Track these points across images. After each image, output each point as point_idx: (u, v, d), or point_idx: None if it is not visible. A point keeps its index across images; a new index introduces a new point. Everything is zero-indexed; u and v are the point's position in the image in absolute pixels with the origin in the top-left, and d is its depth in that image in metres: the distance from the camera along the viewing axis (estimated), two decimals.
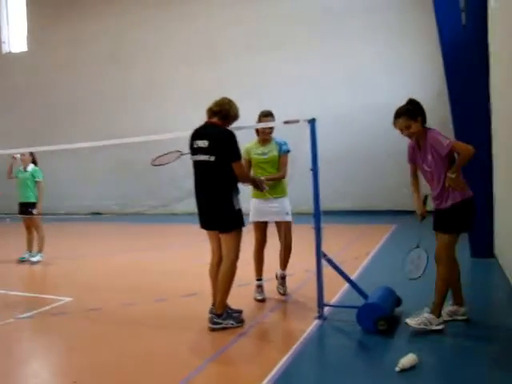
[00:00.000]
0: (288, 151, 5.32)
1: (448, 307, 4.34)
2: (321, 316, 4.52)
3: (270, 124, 5.18)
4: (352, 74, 14.40)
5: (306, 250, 5.14)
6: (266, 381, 3.28)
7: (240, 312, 4.58)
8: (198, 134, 4.48)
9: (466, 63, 6.49)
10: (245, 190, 4.89)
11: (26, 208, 8.18)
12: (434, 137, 4.06)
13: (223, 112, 4.47)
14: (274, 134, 5.36)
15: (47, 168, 10.23)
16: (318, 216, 4.57)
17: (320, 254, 4.56)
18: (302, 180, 5.35)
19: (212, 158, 4.32)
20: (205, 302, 4.65)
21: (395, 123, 4.18)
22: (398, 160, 12.29)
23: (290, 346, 3.90)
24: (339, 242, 8.75)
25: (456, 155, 4.04)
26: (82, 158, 17.05)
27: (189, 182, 4.60)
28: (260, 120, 5.26)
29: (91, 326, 4.74)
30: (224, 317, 4.38)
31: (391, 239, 9.25)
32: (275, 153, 5.26)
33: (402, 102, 4.26)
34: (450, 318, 4.28)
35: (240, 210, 4.43)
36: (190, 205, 4.64)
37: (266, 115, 5.26)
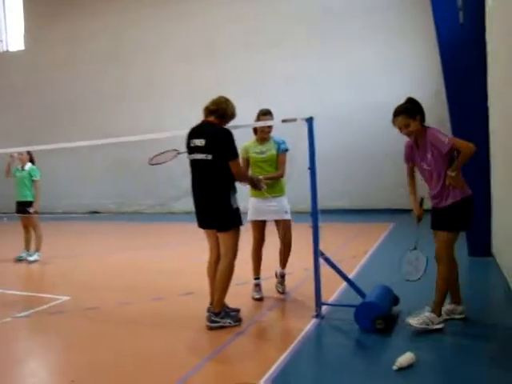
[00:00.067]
0: (286, 150, 5.32)
1: (446, 306, 4.34)
2: (318, 315, 4.52)
3: (268, 123, 5.17)
4: (350, 73, 14.40)
5: (304, 248, 5.14)
6: (263, 379, 3.28)
7: (238, 311, 4.58)
8: (194, 133, 4.47)
9: (464, 62, 6.49)
10: (243, 189, 4.88)
11: (23, 207, 8.17)
12: (433, 134, 4.05)
13: (220, 111, 4.46)
14: (272, 133, 5.35)
15: (45, 167, 10.21)
16: (315, 215, 4.57)
17: (318, 253, 4.56)
18: (300, 179, 5.35)
19: (209, 157, 4.31)
20: (202, 301, 4.65)
21: (394, 121, 4.18)
22: (395, 159, 12.29)
23: (288, 344, 3.90)
24: (337, 241, 8.75)
25: (455, 153, 4.04)
26: (79, 157, 17.02)
27: (186, 181, 4.59)
28: (259, 118, 5.25)
29: (89, 325, 4.73)
30: (222, 315, 4.38)
31: (389, 238, 9.25)
32: (273, 151, 5.26)
33: (401, 100, 4.26)
34: (447, 317, 4.28)
35: (238, 209, 4.43)
36: (188, 203, 4.64)
37: (265, 114, 5.25)
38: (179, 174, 4.85)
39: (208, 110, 4.50)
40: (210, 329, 4.35)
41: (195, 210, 4.54)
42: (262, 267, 5.42)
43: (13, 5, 19.95)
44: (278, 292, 5.45)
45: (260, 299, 5.27)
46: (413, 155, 4.29)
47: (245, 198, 5.29)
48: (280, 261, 5.44)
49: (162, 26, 16.87)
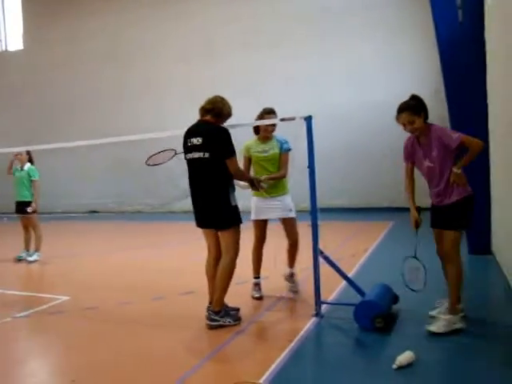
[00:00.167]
0: (289, 149, 5.30)
1: (445, 304, 4.34)
2: (318, 314, 4.52)
3: (266, 121, 5.14)
4: (349, 72, 14.39)
5: (304, 247, 5.15)
6: (263, 379, 3.28)
7: (237, 310, 4.58)
8: (191, 132, 4.47)
9: (463, 61, 6.49)
10: (238, 189, 4.86)
11: (22, 207, 8.17)
12: (441, 130, 4.04)
13: (216, 110, 4.46)
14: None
15: (44, 167, 10.21)
16: (314, 213, 4.57)
17: (317, 252, 4.56)
18: (299, 177, 5.35)
19: (206, 155, 4.31)
20: (202, 300, 4.65)
21: (398, 118, 4.14)
22: (395, 157, 12.34)
23: (288, 343, 3.90)
24: (336, 239, 8.75)
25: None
26: (79, 157, 17.01)
27: (186, 181, 4.59)
28: (263, 117, 5.20)
29: (88, 325, 4.73)
30: (221, 314, 4.38)
31: (389, 236, 9.25)
32: (276, 151, 5.24)
33: (400, 99, 4.25)
34: (463, 314, 4.27)
35: (236, 207, 4.43)
36: (187, 203, 4.63)
37: (269, 112, 5.21)
38: (179, 174, 4.85)
39: (204, 110, 4.50)
40: (210, 328, 4.35)
41: (194, 209, 4.53)
42: (262, 266, 5.42)
43: (12, 5, 19.93)
44: (293, 292, 5.35)
45: (260, 298, 5.27)
46: (413, 154, 4.26)
47: (246, 197, 5.29)
48: (288, 260, 5.41)
49: (160, 26, 16.86)
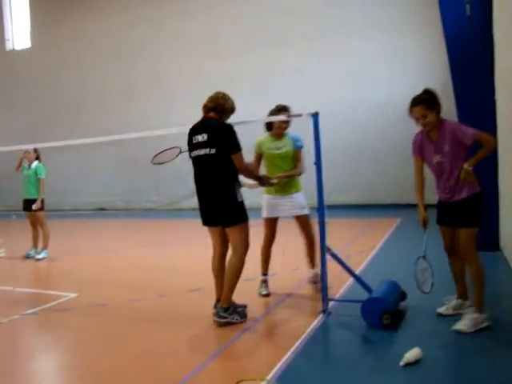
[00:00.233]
0: (302, 147, 5.28)
1: (453, 301, 4.32)
2: (325, 311, 4.50)
3: (273, 118, 5.12)
4: (355, 68, 14.34)
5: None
6: (270, 376, 3.28)
7: (244, 307, 4.58)
8: (196, 130, 4.46)
9: (471, 55, 6.43)
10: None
11: (29, 204, 8.22)
12: (455, 125, 4.00)
13: (219, 107, 4.45)
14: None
15: (52, 164, 10.28)
16: (321, 210, 4.55)
17: (324, 249, 4.54)
18: (306, 174, 5.33)
19: (212, 151, 4.30)
20: (209, 298, 4.65)
21: (411, 111, 4.08)
22: (400, 153, 12.30)
23: (295, 340, 3.89)
24: (344, 236, 8.72)
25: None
26: (87, 154, 17.11)
27: (193, 179, 4.58)
28: (276, 114, 5.14)
29: (96, 322, 4.75)
30: (230, 311, 4.37)
31: (396, 233, 9.21)
32: (289, 148, 5.21)
33: (406, 95, 4.22)
34: (455, 312, 4.25)
35: (243, 203, 4.41)
36: (195, 200, 4.63)
37: (281, 109, 5.15)
38: (186, 171, 4.85)
39: (207, 108, 4.50)
40: (219, 325, 4.34)
41: (200, 207, 4.52)
42: (270, 263, 5.41)
43: (19, 4, 20.01)
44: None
45: (267, 295, 5.27)
46: (422, 148, 4.20)
47: (258, 194, 5.28)
48: (308, 261, 5.36)
49: (167, 24, 16.87)
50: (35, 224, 8.38)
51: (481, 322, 3.94)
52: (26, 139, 10.24)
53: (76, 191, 18.31)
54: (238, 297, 4.54)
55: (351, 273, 4.68)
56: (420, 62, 13.56)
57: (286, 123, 5.18)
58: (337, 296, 5.03)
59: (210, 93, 4.59)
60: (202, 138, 4.36)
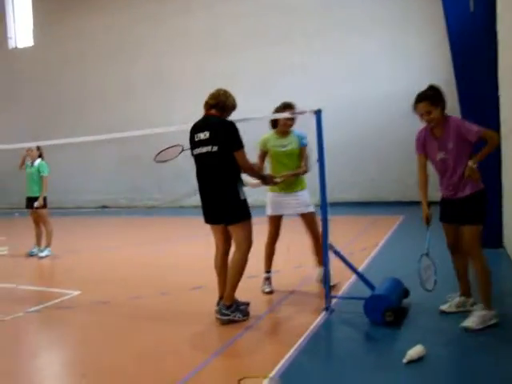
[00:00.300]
0: (307, 145, 5.27)
1: (456, 299, 4.30)
2: (328, 308, 4.50)
3: (277, 115, 5.10)
4: (356, 65, 14.32)
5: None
6: (273, 373, 3.27)
7: (247, 304, 4.58)
8: (198, 127, 4.44)
9: (474, 51, 6.41)
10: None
11: (32, 202, 8.24)
12: (460, 122, 3.98)
13: (220, 104, 4.43)
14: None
15: (55, 162, 10.28)
16: (324, 207, 4.55)
17: (327, 246, 4.54)
18: (309, 172, 5.31)
19: (215, 149, 4.28)
20: (211, 296, 4.65)
21: (416, 107, 4.06)
22: (403, 150, 12.29)
23: (298, 338, 3.89)
24: (347, 234, 8.72)
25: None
26: (89, 152, 17.13)
27: (195, 176, 4.57)
28: (282, 111, 5.11)
29: (99, 320, 4.76)
30: (232, 309, 4.36)
31: (399, 230, 9.21)
32: (295, 145, 5.19)
33: (408, 92, 4.21)
34: (458, 310, 4.25)
35: (245, 201, 4.39)
36: (197, 198, 4.62)
37: (286, 107, 5.12)
38: (189, 169, 4.85)
39: (208, 105, 4.48)
40: (222, 322, 4.34)
41: (202, 205, 4.50)
42: (273, 261, 5.40)
43: (21, 2, 20.01)
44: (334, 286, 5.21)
45: (270, 293, 5.27)
46: (426, 145, 4.18)
47: (261, 192, 5.27)
48: (316, 259, 5.32)
49: (169, 21, 16.87)
50: (38, 222, 8.40)
51: (489, 319, 3.92)
52: (29, 137, 10.29)
53: (79, 189, 18.35)
54: (241, 294, 4.54)
55: (354, 270, 4.68)
56: (423, 58, 13.53)
57: (292, 120, 5.15)
58: (340, 293, 5.03)
59: (212, 90, 4.58)
60: (203, 135, 4.34)
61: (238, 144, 4.30)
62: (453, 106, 6.87)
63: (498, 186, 6.60)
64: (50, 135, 11.01)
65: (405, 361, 3.32)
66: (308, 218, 5.26)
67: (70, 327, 4.66)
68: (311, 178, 5.18)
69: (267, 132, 5.36)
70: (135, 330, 4.39)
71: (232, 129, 4.30)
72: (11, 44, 20.21)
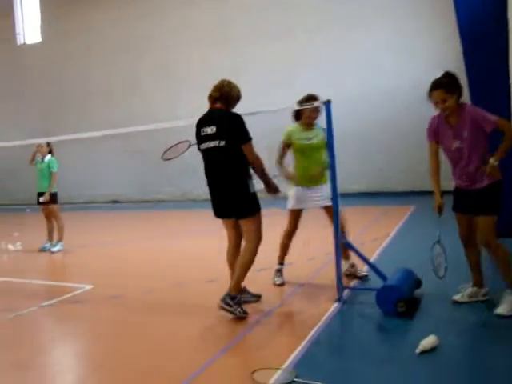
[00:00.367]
0: None
1: (468, 289, 4.28)
2: (340, 299, 4.50)
3: (287, 107, 5.06)
4: (366, 56, 14.19)
5: (325, 232, 5.13)
6: (286, 364, 3.29)
7: (259, 296, 4.59)
8: (204, 121, 4.40)
9: (485, 40, 6.32)
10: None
11: None
12: (476, 111, 3.90)
13: (224, 96, 4.37)
14: (287, 119, 5.28)
15: (65, 157, 10.36)
16: (335, 198, 4.54)
17: (338, 237, 4.53)
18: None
19: (222, 143, 4.24)
20: (224, 289, 4.62)
21: (430, 95, 3.98)
22: (411, 140, 12.21)
23: (310, 329, 3.90)
24: (357, 225, 8.68)
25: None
26: (99, 147, 17.17)
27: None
28: (304, 104, 5.02)
29: (112, 313, 4.79)
30: (236, 301, 4.30)
31: (410, 220, 9.15)
32: (320, 138, 5.12)
33: (416, 83, 4.18)
34: (470, 300, 4.23)
35: (255, 194, 4.37)
36: (208, 190, 4.62)
37: (309, 99, 5.01)
38: (196, 164, 4.84)
39: (212, 98, 4.42)
40: (220, 308, 4.29)
41: (211, 199, 4.47)
42: (286, 254, 5.39)
43: None
44: (361, 279, 5.22)
45: (281, 285, 5.27)
46: (439, 133, 4.11)
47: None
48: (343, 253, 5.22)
49: (175, 14, 16.80)
50: (50, 217, 8.46)
51: None
52: (38, 133, 10.32)
53: (90, 184, 18.43)
54: (252, 286, 4.55)
55: (366, 261, 4.68)
56: (432, 49, 13.36)
57: (316, 113, 5.08)
58: (351, 284, 5.03)
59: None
60: (210, 130, 4.30)
61: (245, 137, 4.25)
62: (463, 96, 6.84)
63: None
64: (60, 131, 11.08)
65: (418, 351, 3.32)
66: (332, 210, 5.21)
67: (83, 321, 4.71)
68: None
69: (277, 124, 5.33)
70: (147, 324, 4.42)
71: (239, 122, 4.25)
72: (20, 40, 20.28)
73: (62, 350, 4.14)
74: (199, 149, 4.48)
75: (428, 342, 3.38)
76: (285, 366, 3.27)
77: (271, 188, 4.47)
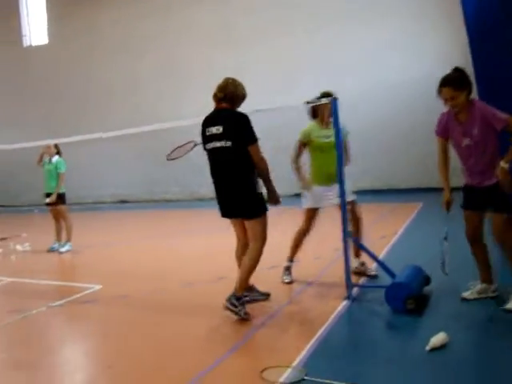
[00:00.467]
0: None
1: (477, 286, 4.25)
2: (349, 296, 4.49)
3: (291, 105, 5.05)
4: (371, 53, 14.13)
5: (334, 229, 5.12)
6: (295, 362, 3.28)
7: (268, 295, 4.58)
8: (209, 121, 4.36)
9: (492, 32, 6.28)
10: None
11: None
12: (486, 108, 3.84)
13: (228, 95, 4.30)
14: (295, 116, 5.26)
15: (73, 158, 10.37)
16: (343, 195, 4.52)
17: (346, 235, 4.52)
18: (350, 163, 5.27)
19: (228, 144, 4.20)
20: (232, 288, 4.64)
21: (439, 91, 3.92)
22: (417, 138, 12.17)
23: (320, 327, 3.89)
24: (365, 222, 8.62)
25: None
26: (107, 147, 17.17)
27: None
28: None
29: (121, 313, 4.80)
30: (241, 301, 4.27)
31: (418, 218, 9.11)
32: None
33: (421, 79, 4.16)
34: (479, 296, 4.20)
35: (261, 194, 4.33)
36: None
37: (323, 96, 4.93)
38: (205, 162, 4.83)
39: (217, 98, 4.36)
40: (226, 308, 4.26)
41: (218, 199, 4.44)
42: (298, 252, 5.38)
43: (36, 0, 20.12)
44: (371, 277, 5.19)
45: (290, 283, 5.26)
46: (448, 129, 4.06)
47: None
48: (353, 251, 5.19)
49: (177, 14, 16.82)
50: (58, 217, 8.49)
51: None
52: (45, 134, 10.36)
53: (97, 184, 18.46)
54: (261, 284, 4.54)
55: (374, 258, 4.66)
56: (437, 45, 13.28)
57: (331, 110, 5.05)
58: (360, 281, 5.01)
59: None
60: (216, 130, 4.25)
61: (251, 138, 4.20)
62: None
63: None
64: (67, 131, 11.12)
65: (428, 348, 3.30)
66: (352, 206, 5.17)
67: (93, 321, 4.72)
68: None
69: (277, 124, 5.31)
70: (156, 323, 4.42)
71: (245, 122, 4.19)
72: (26, 42, 20.35)
73: (71, 349, 4.16)
74: (205, 148, 4.46)
75: (438, 339, 3.36)
76: (294, 364, 3.26)
77: (273, 197, 4.42)
